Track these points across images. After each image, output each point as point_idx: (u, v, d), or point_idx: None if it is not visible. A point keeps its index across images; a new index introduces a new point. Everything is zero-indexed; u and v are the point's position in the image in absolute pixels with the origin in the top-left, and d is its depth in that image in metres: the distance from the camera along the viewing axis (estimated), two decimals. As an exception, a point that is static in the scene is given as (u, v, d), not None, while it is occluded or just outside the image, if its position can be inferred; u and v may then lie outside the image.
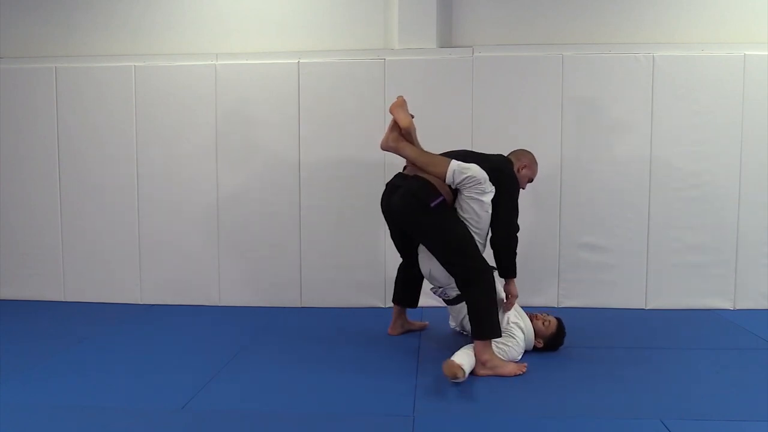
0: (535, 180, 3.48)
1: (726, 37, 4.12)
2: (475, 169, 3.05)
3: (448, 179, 3.06)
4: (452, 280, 3.16)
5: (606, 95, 4.07)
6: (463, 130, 4.08)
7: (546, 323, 3.28)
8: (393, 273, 4.12)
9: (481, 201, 3.07)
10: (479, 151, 3.36)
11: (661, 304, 4.13)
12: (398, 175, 3.36)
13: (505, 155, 3.37)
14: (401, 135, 3.21)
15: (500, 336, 3.05)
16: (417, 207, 3.10)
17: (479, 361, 2.97)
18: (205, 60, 4.24)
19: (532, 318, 3.29)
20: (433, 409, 2.62)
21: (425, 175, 3.14)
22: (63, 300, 4.41)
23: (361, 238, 4.19)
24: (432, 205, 3.06)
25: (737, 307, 4.10)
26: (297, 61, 4.17)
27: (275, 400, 2.72)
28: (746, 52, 4.01)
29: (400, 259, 3.57)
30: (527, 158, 3.38)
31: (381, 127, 4.08)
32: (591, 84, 4.07)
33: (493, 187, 3.08)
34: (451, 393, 2.78)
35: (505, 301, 3.28)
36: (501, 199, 3.10)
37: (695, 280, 4.11)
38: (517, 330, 3.20)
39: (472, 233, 3.10)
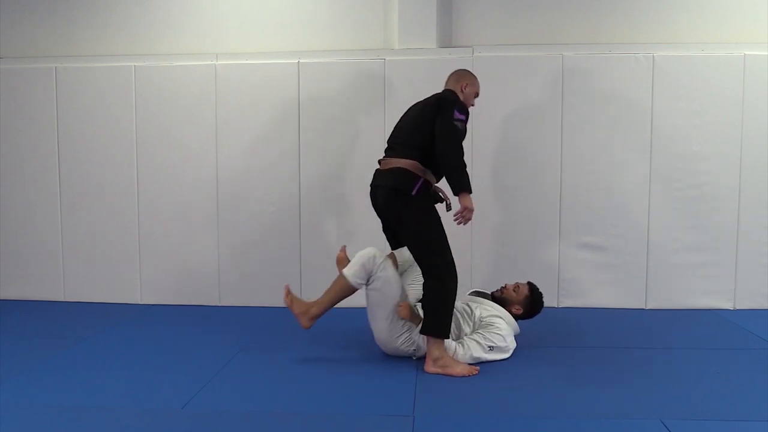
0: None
1: (726, 37, 4.12)
2: None
3: None
4: (394, 339, 3.13)
5: (606, 95, 4.07)
6: (463, 130, 4.07)
7: (516, 289, 3.31)
8: (393, 273, 4.12)
9: None
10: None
11: (661, 304, 4.13)
12: (376, 173, 3.26)
13: (446, 88, 3.28)
14: None
15: (447, 338, 3.00)
16: (397, 201, 3.08)
17: (430, 358, 2.98)
18: (205, 60, 4.23)
19: (502, 290, 3.32)
20: (433, 409, 2.62)
21: (399, 163, 3.08)
22: (63, 300, 4.41)
23: (361, 239, 4.18)
24: (414, 192, 3.02)
25: (737, 307, 4.10)
26: (297, 61, 4.17)
27: (275, 400, 2.72)
28: (746, 52, 4.01)
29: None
30: (467, 78, 3.31)
31: (381, 127, 4.10)
32: (591, 84, 4.07)
33: None
34: (451, 393, 2.78)
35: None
36: (439, 121, 3.01)
37: (695, 280, 4.11)
38: (495, 319, 3.18)
39: None
